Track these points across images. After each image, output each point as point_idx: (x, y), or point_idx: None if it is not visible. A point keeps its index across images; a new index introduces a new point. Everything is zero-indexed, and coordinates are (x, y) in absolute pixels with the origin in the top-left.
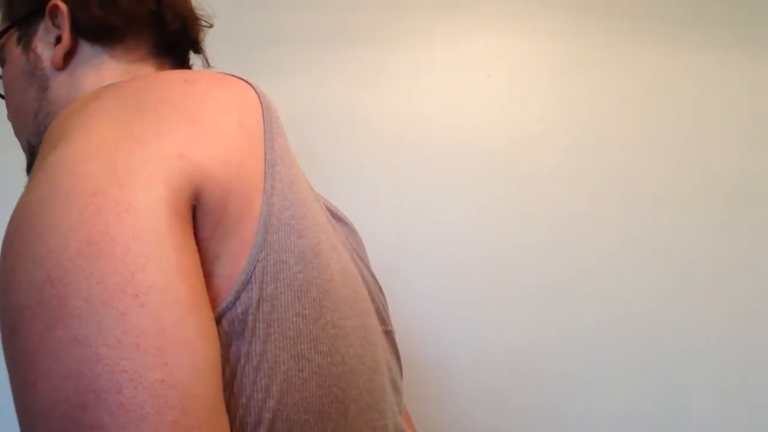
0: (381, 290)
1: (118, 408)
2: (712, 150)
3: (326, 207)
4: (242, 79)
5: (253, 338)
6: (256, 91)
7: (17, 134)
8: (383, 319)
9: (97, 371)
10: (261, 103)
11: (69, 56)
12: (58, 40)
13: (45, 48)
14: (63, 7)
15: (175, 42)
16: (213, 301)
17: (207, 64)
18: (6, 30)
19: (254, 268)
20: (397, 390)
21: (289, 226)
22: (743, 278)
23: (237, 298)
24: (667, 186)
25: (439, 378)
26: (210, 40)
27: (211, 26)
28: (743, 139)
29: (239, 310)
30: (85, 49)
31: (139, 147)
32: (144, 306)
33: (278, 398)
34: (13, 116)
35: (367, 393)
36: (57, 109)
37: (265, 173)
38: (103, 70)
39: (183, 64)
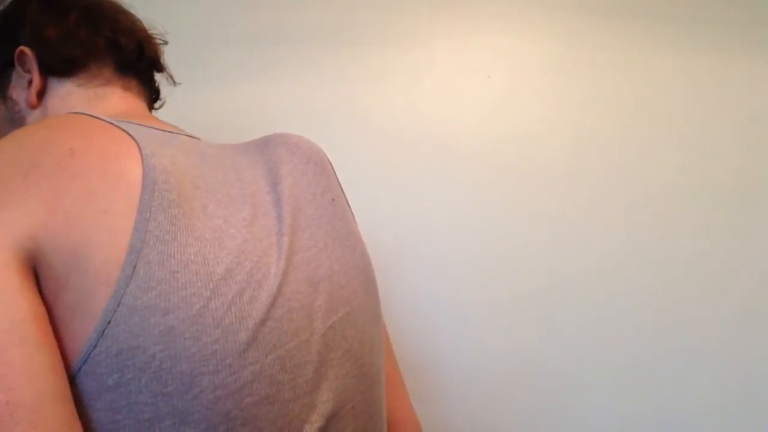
0: (356, 264)
1: None
2: (711, 149)
3: (284, 176)
4: (137, 144)
5: (97, 426)
6: (143, 163)
7: None
8: (335, 307)
9: None
10: (144, 179)
11: (41, 94)
12: (30, 83)
13: (20, 93)
14: (28, 51)
15: (134, 62)
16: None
17: (173, 82)
18: None
19: (84, 363)
20: (362, 374)
21: (150, 308)
22: (743, 277)
23: (72, 382)
24: (666, 185)
25: (438, 377)
26: (210, 40)
27: (165, 43)
28: (742, 139)
29: (75, 393)
30: (54, 84)
31: None
32: None
33: None
34: None
35: (286, 424)
36: None
37: (123, 263)
38: (72, 99)
39: (148, 81)
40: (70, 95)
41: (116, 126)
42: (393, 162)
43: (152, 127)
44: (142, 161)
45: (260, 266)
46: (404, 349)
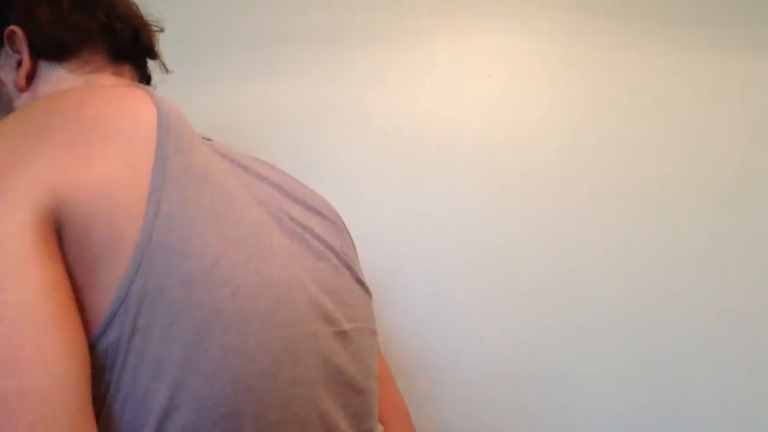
0: (359, 285)
1: None
2: (710, 149)
3: (299, 200)
4: (148, 93)
5: (122, 372)
6: (157, 108)
7: None
8: (335, 319)
9: None
10: (158, 122)
11: (30, 77)
12: (19, 64)
13: (8, 74)
14: (19, 31)
15: (129, 49)
16: (86, 329)
17: (165, 69)
18: None
19: (122, 302)
20: (358, 391)
21: (173, 248)
22: (743, 277)
23: (103, 332)
24: (664, 185)
25: (438, 377)
26: (210, 40)
27: (162, 30)
28: (740, 139)
29: (107, 343)
30: (44, 67)
31: (9, 175)
32: (2, 321)
33: (155, 427)
34: None
35: (278, 407)
36: None
37: (148, 197)
38: (62, 86)
39: (141, 69)
40: (60, 81)
41: (130, 85)
42: (393, 162)
43: None
44: (155, 105)
45: (266, 243)
46: (404, 349)
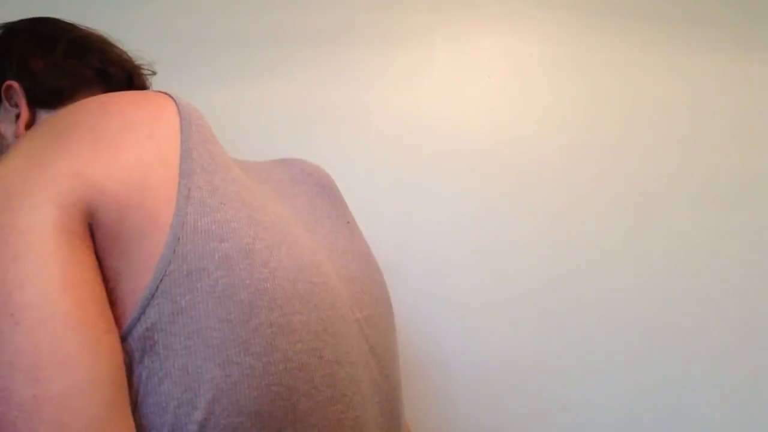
0: (366, 273)
1: None
2: (710, 150)
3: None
4: (166, 93)
5: (169, 353)
6: (177, 103)
7: None
8: (359, 305)
9: None
10: (180, 115)
11: (29, 126)
12: (18, 117)
13: (8, 127)
14: (15, 85)
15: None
16: (119, 318)
17: None
18: None
19: (161, 281)
20: (385, 376)
21: (208, 232)
22: (742, 276)
23: (142, 314)
24: (665, 185)
25: (438, 377)
26: (210, 40)
27: (154, 74)
28: (740, 139)
29: (146, 326)
30: (43, 115)
31: (36, 171)
32: (18, 324)
33: (206, 408)
34: None
35: (326, 386)
36: None
37: (179, 183)
38: None
39: None
40: None
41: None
42: (393, 161)
43: None
44: (175, 102)
45: (290, 231)
46: (405, 349)
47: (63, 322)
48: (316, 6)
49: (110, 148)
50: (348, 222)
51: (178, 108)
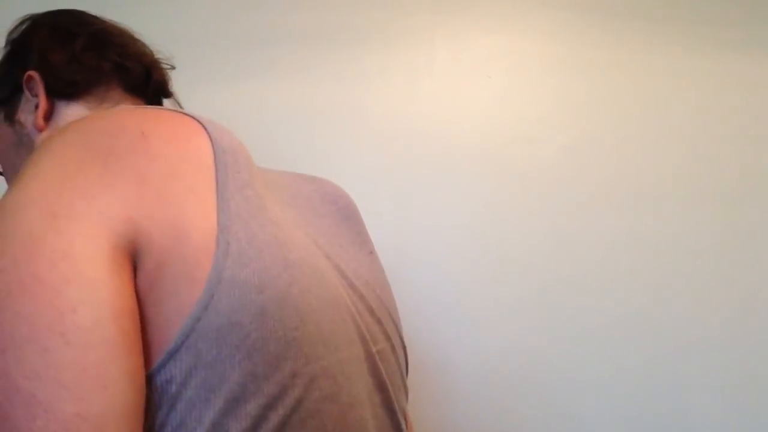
0: (384, 305)
1: None
2: (711, 149)
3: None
4: (198, 121)
5: (186, 406)
6: (212, 143)
7: None
8: (374, 339)
9: (15, 402)
10: (215, 157)
11: (48, 117)
12: (37, 106)
13: (28, 116)
14: (36, 75)
15: (143, 85)
16: (146, 360)
17: (179, 105)
18: None
19: (187, 337)
20: (391, 410)
21: (247, 284)
22: (744, 277)
23: (163, 367)
24: (666, 185)
25: (439, 379)
26: (210, 40)
27: (173, 68)
28: (742, 139)
29: (165, 378)
30: (62, 106)
31: (83, 201)
32: (69, 344)
33: None
34: None
35: (339, 430)
36: None
37: (217, 237)
38: None
39: (156, 102)
40: (79, 117)
41: (177, 111)
42: (393, 161)
43: None
44: (211, 142)
45: (317, 266)
46: (407, 350)
47: (111, 348)
48: (315, 6)
49: (157, 197)
50: (370, 252)
51: (212, 147)
